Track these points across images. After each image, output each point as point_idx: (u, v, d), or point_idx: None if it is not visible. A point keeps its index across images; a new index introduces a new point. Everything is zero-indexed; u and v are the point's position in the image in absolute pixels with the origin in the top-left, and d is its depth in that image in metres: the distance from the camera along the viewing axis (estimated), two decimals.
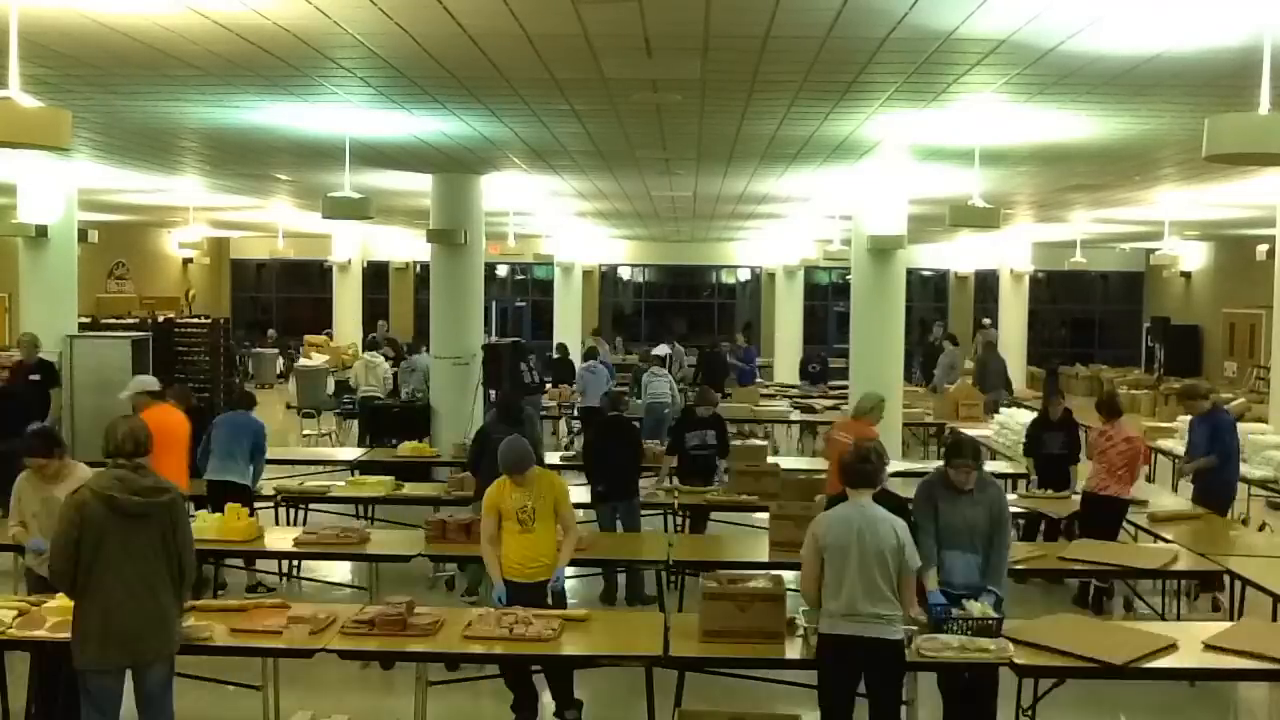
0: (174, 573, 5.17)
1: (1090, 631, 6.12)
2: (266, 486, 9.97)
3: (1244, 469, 11.62)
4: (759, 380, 21.64)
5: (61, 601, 5.77)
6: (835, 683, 5.45)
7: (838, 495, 6.22)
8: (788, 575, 6.39)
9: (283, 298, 31.60)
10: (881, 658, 5.35)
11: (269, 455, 9.93)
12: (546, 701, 6.67)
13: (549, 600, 6.40)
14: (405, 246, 28.83)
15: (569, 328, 26.93)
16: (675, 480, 10.26)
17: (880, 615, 5.29)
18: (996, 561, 6.13)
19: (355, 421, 15.89)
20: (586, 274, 29.47)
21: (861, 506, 5.45)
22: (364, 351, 19.14)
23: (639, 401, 15.42)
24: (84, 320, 16.03)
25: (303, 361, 23.33)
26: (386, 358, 17.35)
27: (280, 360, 27.01)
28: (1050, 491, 9.84)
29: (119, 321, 18.10)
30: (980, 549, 6.12)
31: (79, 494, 5.11)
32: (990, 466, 12.36)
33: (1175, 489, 11.92)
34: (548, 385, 18.14)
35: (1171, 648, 5.78)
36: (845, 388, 15.41)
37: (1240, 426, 13.40)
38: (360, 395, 16.06)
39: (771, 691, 6.86)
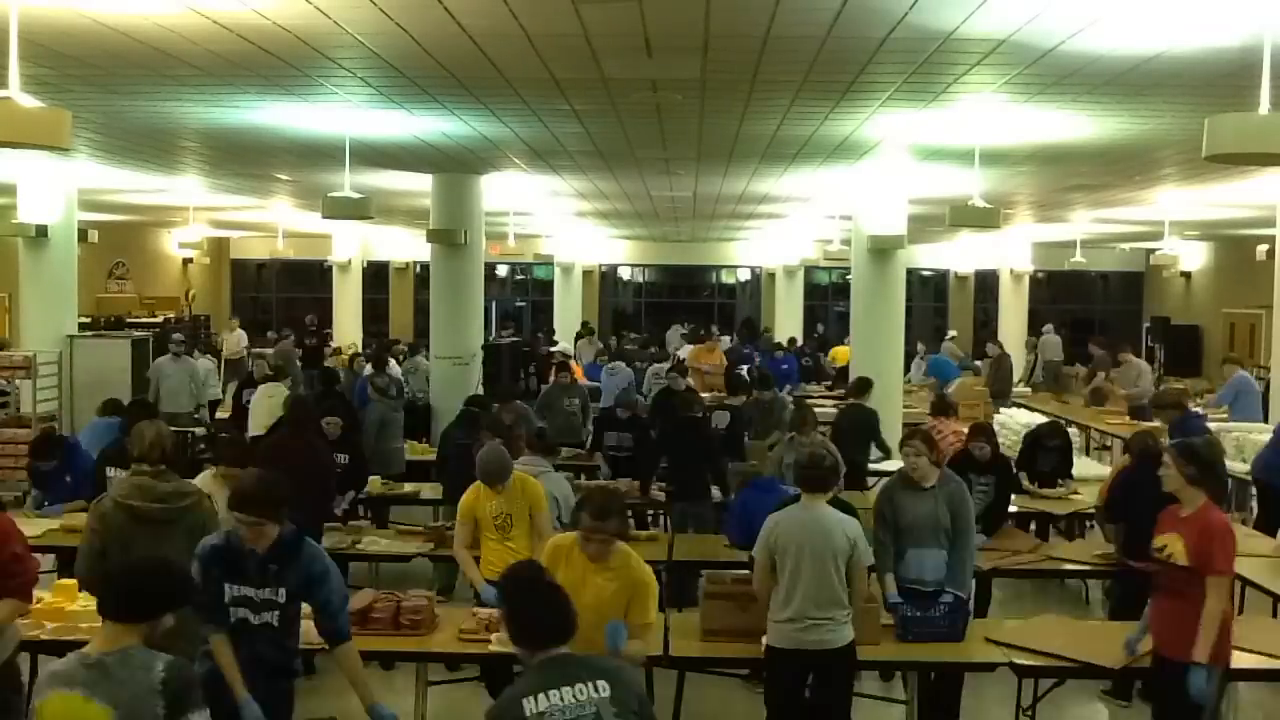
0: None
1: (1083, 633, 6.12)
2: None
3: (1243, 467, 11.63)
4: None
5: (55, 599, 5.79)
6: (784, 696, 5.40)
7: None
8: None
9: (283, 297, 31.58)
10: (830, 668, 5.33)
11: None
12: None
13: None
14: (405, 246, 28.81)
15: (569, 328, 26.92)
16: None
17: (830, 618, 5.25)
18: (955, 561, 6.06)
19: None
20: (586, 274, 29.46)
21: (812, 508, 5.40)
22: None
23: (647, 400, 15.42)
24: (84, 320, 16.03)
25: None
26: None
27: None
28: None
29: (134, 321, 18.15)
30: (948, 545, 6.08)
31: (101, 503, 5.09)
32: None
33: None
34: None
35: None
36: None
37: (1240, 426, 13.42)
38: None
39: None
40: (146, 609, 3.49)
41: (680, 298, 32.30)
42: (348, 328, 28.06)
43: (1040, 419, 13.52)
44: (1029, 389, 20.00)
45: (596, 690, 3.24)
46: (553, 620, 3.44)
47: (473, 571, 6.45)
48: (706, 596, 5.94)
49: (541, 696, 3.24)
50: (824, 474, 5.51)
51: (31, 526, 7.78)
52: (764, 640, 5.45)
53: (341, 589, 4.69)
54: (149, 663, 3.39)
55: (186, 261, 28.23)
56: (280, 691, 4.63)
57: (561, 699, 3.23)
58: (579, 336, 22.90)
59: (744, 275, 31.80)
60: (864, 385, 11.67)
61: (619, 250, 30.08)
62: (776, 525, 5.40)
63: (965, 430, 9.26)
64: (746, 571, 6.24)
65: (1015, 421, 13.10)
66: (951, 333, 24.44)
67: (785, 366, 18.38)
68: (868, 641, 5.64)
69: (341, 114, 9.70)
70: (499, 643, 5.45)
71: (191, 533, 5.03)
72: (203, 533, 5.06)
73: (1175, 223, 18.74)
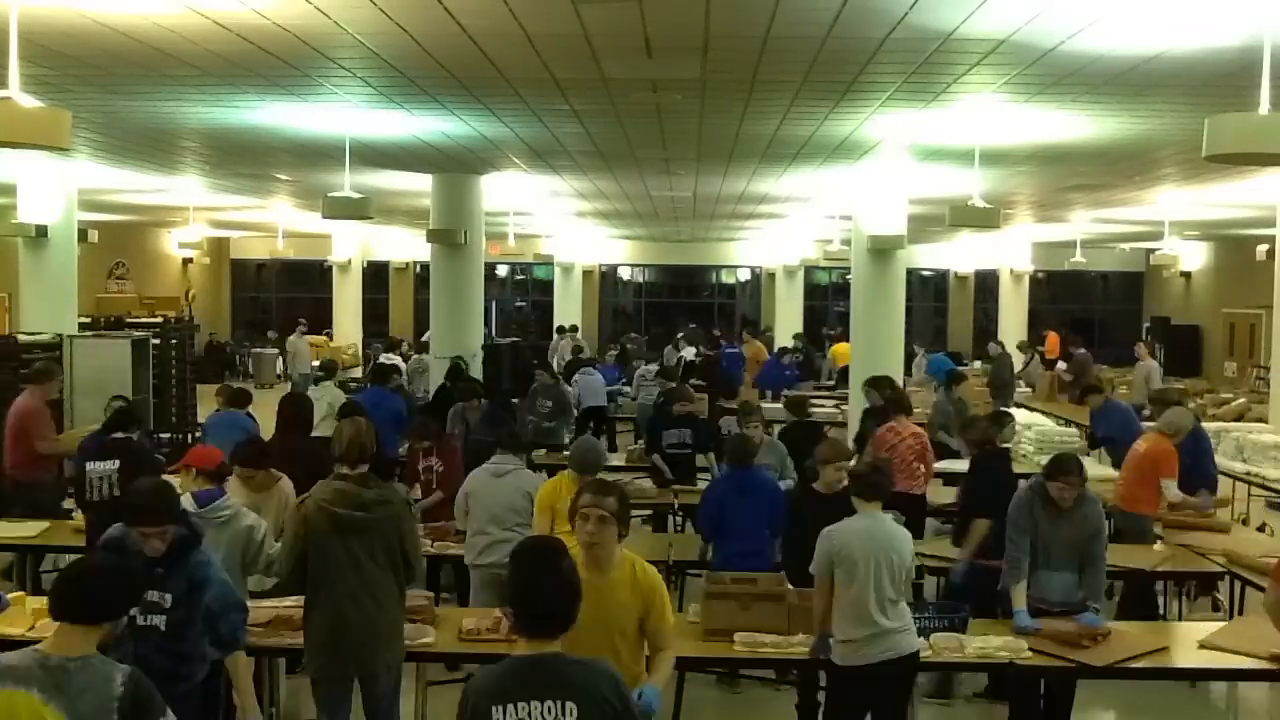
0: (401, 582, 5.11)
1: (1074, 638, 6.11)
2: None
3: (1243, 467, 11.65)
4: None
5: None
6: (852, 712, 5.34)
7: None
8: None
9: (283, 298, 31.59)
10: (901, 673, 5.28)
11: None
12: None
13: None
14: (405, 246, 28.83)
15: None
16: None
17: (901, 626, 5.22)
18: (1092, 577, 6.06)
19: None
20: (586, 274, 29.47)
21: (875, 518, 5.36)
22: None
23: (635, 401, 15.41)
24: (84, 320, 16.02)
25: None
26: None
27: (280, 360, 27.00)
28: None
29: (134, 321, 18.16)
30: (1078, 566, 6.04)
31: (304, 506, 5.08)
32: None
33: None
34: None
35: (1162, 651, 5.77)
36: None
37: (1240, 426, 13.43)
38: None
39: (773, 691, 6.87)
40: (106, 611, 3.44)
41: (680, 298, 32.31)
42: (348, 328, 28.07)
43: (1040, 419, 13.52)
44: (1029, 389, 19.98)
45: (564, 714, 3.18)
46: (554, 605, 3.34)
47: None
48: (707, 596, 5.94)
49: (510, 708, 3.18)
50: (881, 482, 5.47)
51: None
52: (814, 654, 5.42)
53: (227, 597, 4.59)
54: (109, 674, 3.32)
55: (186, 261, 28.23)
56: (180, 696, 4.42)
57: (529, 714, 3.17)
58: (559, 333, 22.86)
59: (744, 275, 31.81)
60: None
61: (619, 250, 30.09)
62: (842, 537, 5.29)
63: (923, 430, 9.33)
64: (748, 572, 6.23)
65: (1015, 421, 13.08)
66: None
67: (788, 373, 18.49)
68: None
69: (341, 114, 9.70)
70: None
71: (390, 541, 5.01)
72: (401, 542, 5.06)
73: (1175, 223, 18.75)
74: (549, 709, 3.18)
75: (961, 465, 8.74)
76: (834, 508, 5.76)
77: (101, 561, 3.83)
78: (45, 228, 13.96)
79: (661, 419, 10.43)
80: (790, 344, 22.62)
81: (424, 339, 19.56)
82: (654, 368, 16.20)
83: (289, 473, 6.54)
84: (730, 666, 6.55)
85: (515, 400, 12.95)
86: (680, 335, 23.28)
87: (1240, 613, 7.61)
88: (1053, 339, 24.33)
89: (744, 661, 5.96)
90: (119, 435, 7.73)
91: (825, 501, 6.23)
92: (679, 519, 10.03)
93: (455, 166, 13.29)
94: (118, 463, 7.33)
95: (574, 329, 23.96)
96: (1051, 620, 5.85)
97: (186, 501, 5.12)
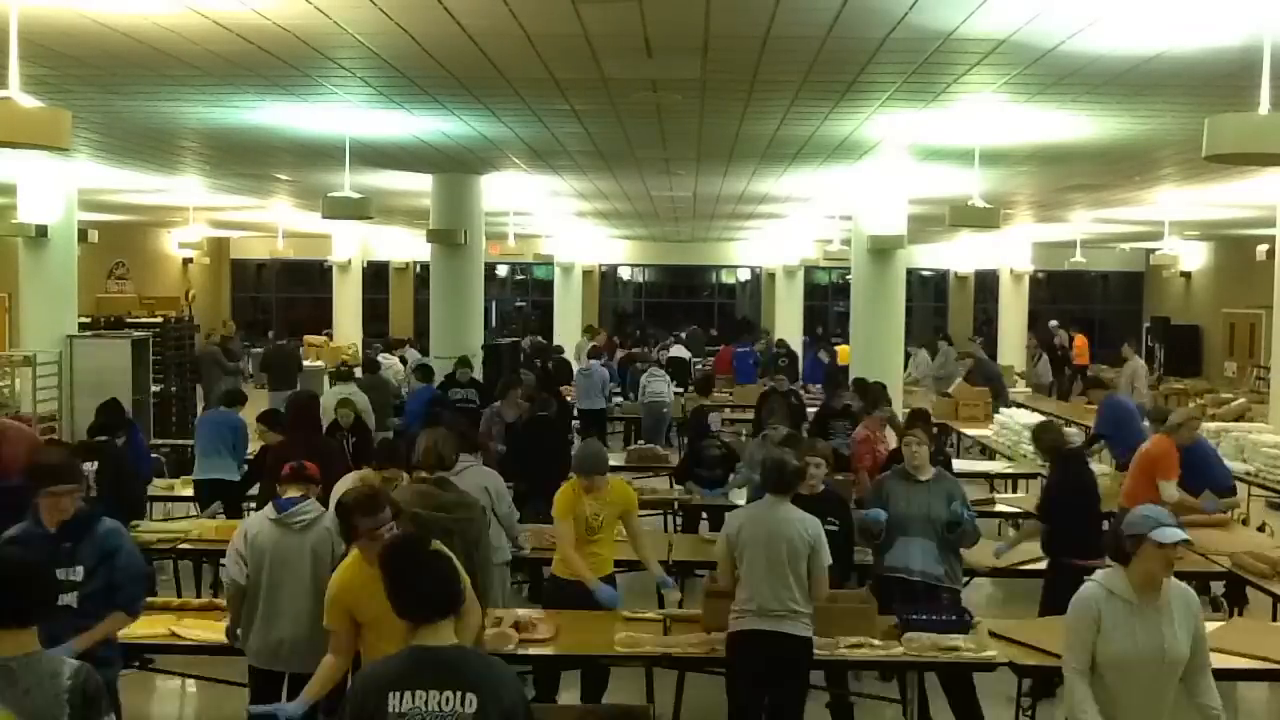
0: (476, 589, 5.01)
1: None
2: None
3: (1243, 466, 11.63)
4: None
5: None
6: (743, 681, 5.51)
7: None
8: None
9: (283, 298, 31.58)
10: (788, 653, 5.40)
11: None
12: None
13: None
14: (405, 246, 28.82)
15: (569, 328, 26.93)
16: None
17: (791, 611, 5.35)
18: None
19: None
20: (586, 274, 29.46)
21: (774, 505, 5.53)
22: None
23: (635, 401, 15.40)
24: (84, 320, 16.03)
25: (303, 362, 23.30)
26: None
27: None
28: None
29: (134, 321, 18.19)
30: (938, 537, 6.35)
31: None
32: (988, 466, 12.40)
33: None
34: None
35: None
36: None
37: (1240, 426, 13.43)
38: None
39: None
40: (41, 611, 3.40)
41: (680, 298, 32.31)
42: (348, 328, 28.06)
43: (1040, 419, 13.50)
44: (1029, 389, 20.00)
45: (463, 704, 3.14)
46: (431, 589, 3.34)
47: (585, 571, 6.31)
48: (708, 596, 5.95)
49: (407, 695, 3.15)
50: (789, 477, 5.62)
51: None
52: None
53: (135, 566, 4.63)
54: (57, 669, 3.27)
55: (186, 261, 28.23)
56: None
57: (425, 704, 3.14)
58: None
59: (744, 275, 31.81)
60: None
61: (619, 250, 30.09)
62: (739, 521, 5.57)
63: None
64: None
65: (1015, 422, 13.08)
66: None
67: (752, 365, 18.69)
68: (863, 635, 5.70)
69: (341, 114, 9.70)
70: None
71: (467, 545, 5.02)
72: (477, 546, 5.10)
73: (1175, 223, 18.75)
74: (446, 699, 3.14)
75: None
76: (818, 507, 5.90)
77: (34, 560, 3.67)
78: (45, 228, 13.96)
79: (701, 429, 10.37)
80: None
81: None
82: (659, 369, 16.19)
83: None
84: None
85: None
86: (671, 336, 23.41)
87: (1241, 613, 7.61)
88: (1081, 341, 22.82)
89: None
90: (102, 438, 7.77)
91: (806, 503, 6.30)
92: (679, 519, 10.04)
93: (455, 166, 13.29)
94: (96, 464, 7.35)
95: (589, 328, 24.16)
96: None
97: (268, 510, 5.24)
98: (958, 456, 13.68)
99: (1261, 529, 10.03)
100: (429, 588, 3.36)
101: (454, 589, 3.41)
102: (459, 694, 3.15)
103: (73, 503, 4.52)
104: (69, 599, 4.43)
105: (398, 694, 3.16)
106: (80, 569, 4.45)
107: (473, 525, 5.13)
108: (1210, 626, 6.31)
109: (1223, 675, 6.25)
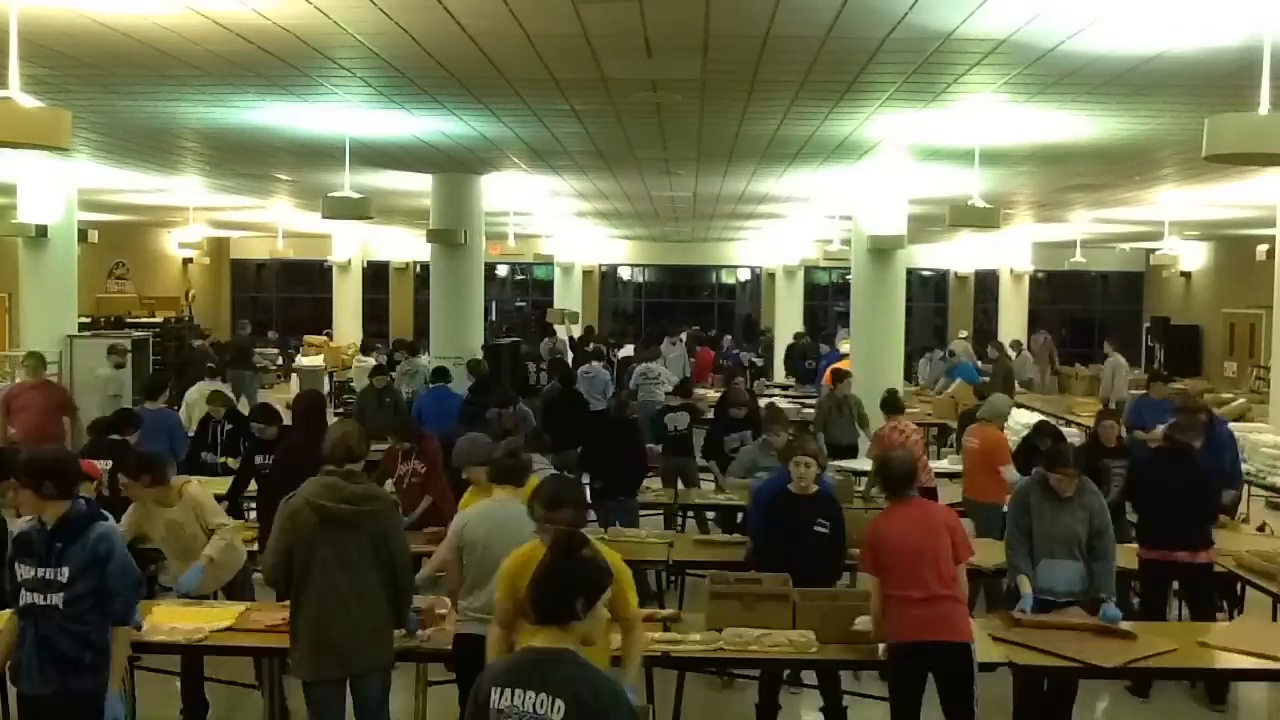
0: (388, 582, 5.03)
1: (1084, 635, 6.11)
2: None
3: (1243, 467, 11.63)
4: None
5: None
6: (465, 684, 5.22)
7: None
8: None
9: (283, 298, 31.57)
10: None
11: None
12: None
13: None
14: (405, 246, 28.81)
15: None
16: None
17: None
18: (1101, 570, 6.13)
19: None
20: (586, 274, 29.46)
21: (504, 502, 5.26)
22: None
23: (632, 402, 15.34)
24: (84, 320, 16.04)
25: (302, 361, 23.32)
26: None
27: (280, 360, 27.01)
28: None
29: (134, 321, 18.21)
30: (1082, 557, 6.12)
31: (292, 502, 5.01)
32: None
33: None
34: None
35: (1170, 654, 5.75)
36: None
37: (1239, 426, 13.43)
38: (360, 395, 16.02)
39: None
40: None
41: (680, 298, 32.29)
42: (348, 328, 28.06)
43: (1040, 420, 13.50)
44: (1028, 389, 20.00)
45: (553, 710, 3.17)
46: (542, 595, 3.34)
47: None
48: (711, 596, 5.95)
49: (508, 692, 3.20)
50: (520, 468, 5.42)
51: None
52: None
53: (128, 574, 4.56)
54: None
55: (186, 261, 28.24)
56: (85, 692, 4.41)
57: (522, 704, 3.18)
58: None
59: (744, 275, 31.79)
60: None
61: (619, 250, 30.08)
62: (466, 519, 5.31)
63: (919, 429, 9.72)
64: (751, 572, 6.25)
65: (1017, 422, 13.07)
66: (963, 332, 24.53)
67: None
68: (837, 640, 5.64)
69: (341, 114, 9.70)
70: None
71: (375, 539, 4.96)
72: (387, 540, 5.00)
73: (1175, 223, 18.75)
74: (540, 702, 3.18)
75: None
76: (809, 507, 5.82)
77: None
78: (45, 228, 13.98)
79: (722, 423, 10.42)
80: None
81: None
82: (655, 367, 16.16)
83: (306, 470, 6.52)
84: (720, 666, 6.55)
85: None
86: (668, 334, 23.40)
87: (1240, 612, 7.61)
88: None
89: (741, 661, 5.97)
90: (114, 437, 7.78)
91: (798, 501, 6.29)
92: (680, 519, 10.05)
93: (455, 166, 13.29)
94: (110, 463, 7.35)
95: (590, 329, 24.14)
96: (1064, 612, 5.96)
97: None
98: (956, 453, 13.66)
99: (1261, 529, 10.02)
100: (541, 592, 3.37)
101: (567, 599, 3.35)
102: (551, 699, 3.19)
103: (42, 506, 4.45)
104: (55, 599, 4.41)
105: (499, 690, 3.23)
106: (66, 570, 4.41)
107: (381, 518, 5.01)
108: (1209, 627, 6.34)
109: (1222, 675, 6.28)
